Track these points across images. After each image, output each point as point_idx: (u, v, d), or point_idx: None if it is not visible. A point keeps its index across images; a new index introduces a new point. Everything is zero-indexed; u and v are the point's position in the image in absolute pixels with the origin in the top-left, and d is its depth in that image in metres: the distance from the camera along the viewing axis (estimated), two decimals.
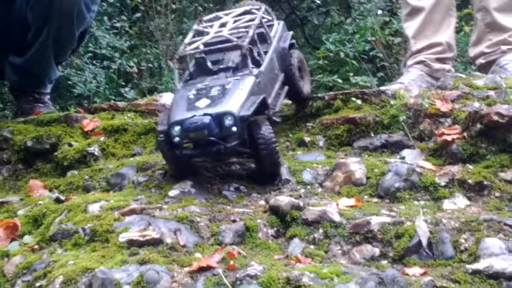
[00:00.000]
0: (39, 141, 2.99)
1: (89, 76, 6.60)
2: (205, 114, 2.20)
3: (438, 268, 2.07)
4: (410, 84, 3.29)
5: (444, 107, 2.69)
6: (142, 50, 7.36)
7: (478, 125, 2.54)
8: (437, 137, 2.63)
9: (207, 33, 2.50)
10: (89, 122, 3.05)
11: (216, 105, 2.24)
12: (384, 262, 2.14)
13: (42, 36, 3.23)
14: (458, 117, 2.65)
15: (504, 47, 3.48)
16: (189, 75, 2.46)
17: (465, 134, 2.57)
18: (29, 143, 2.99)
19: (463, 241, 2.13)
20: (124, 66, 6.94)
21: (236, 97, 2.27)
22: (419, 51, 3.57)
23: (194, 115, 2.21)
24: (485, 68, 3.51)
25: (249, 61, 2.38)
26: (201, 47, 2.44)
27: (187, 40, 2.50)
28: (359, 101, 2.89)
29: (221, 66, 2.43)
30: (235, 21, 2.54)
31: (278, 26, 2.70)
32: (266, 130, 2.27)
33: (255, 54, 2.42)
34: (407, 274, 2.03)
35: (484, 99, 2.71)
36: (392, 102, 2.83)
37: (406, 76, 3.52)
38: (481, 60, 3.57)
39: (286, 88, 2.64)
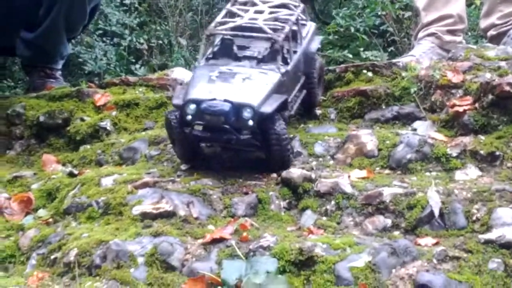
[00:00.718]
0: (52, 116, 2.99)
1: (99, 54, 6.58)
2: (225, 100, 2.16)
3: (450, 238, 2.07)
4: (421, 56, 3.26)
5: (456, 78, 2.67)
6: (152, 27, 7.32)
7: (490, 96, 2.52)
8: (448, 109, 2.61)
9: (241, 17, 2.44)
10: (101, 97, 3.05)
11: (238, 94, 2.19)
12: (396, 233, 2.14)
13: (53, 12, 3.22)
14: (469, 88, 2.63)
15: None
16: (212, 53, 2.39)
17: (476, 105, 2.56)
18: (42, 118, 2.99)
19: (475, 211, 2.13)
20: (134, 43, 6.90)
21: (260, 91, 2.22)
22: (430, 23, 3.53)
23: (215, 99, 2.16)
24: (496, 40, 3.48)
25: (280, 57, 2.33)
26: (233, 29, 2.38)
27: (218, 19, 2.45)
28: (370, 74, 2.87)
29: (247, 54, 2.37)
30: (271, 12, 2.48)
31: (310, 28, 2.63)
32: (280, 126, 2.23)
33: (285, 51, 2.36)
34: (419, 244, 2.04)
35: (495, 70, 2.69)
36: (403, 74, 2.81)
37: (417, 49, 3.49)
38: (492, 32, 3.55)
39: (304, 92, 2.58)
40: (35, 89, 3.33)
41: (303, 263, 1.94)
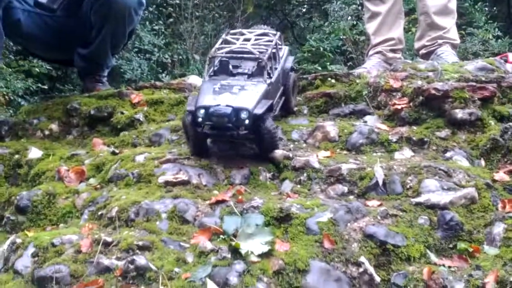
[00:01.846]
0: (100, 110, 2.97)
1: (135, 65, 6.60)
2: (227, 106, 2.14)
3: (390, 201, 2.07)
4: (371, 68, 3.25)
5: (396, 84, 2.67)
6: (174, 46, 7.33)
7: (421, 97, 2.52)
8: (390, 106, 2.60)
9: (234, 43, 2.41)
10: (136, 97, 3.03)
11: (236, 100, 2.17)
12: (351, 197, 2.14)
13: (102, 34, 3.19)
14: (406, 91, 2.62)
15: (440, 41, 3.45)
16: (213, 72, 2.36)
17: (411, 104, 2.55)
18: (92, 112, 2.97)
19: (408, 181, 2.13)
20: (161, 58, 6.93)
21: (252, 97, 2.20)
22: (377, 44, 3.52)
23: (219, 104, 2.15)
24: (426, 57, 3.47)
25: (266, 72, 2.30)
26: (228, 53, 2.37)
27: (217, 45, 2.42)
28: (333, 81, 2.86)
29: (239, 71, 2.34)
30: (256, 39, 2.46)
31: (285, 50, 2.60)
32: (269, 123, 2.21)
33: (268, 68, 2.33)
34: (367, 205, 2.03)
35: (425, 78, 2.68)
36: (357, 81, 2.80)
37: (368, 63, 3.48)
38: (423, 51, 3.54)
39: (283, 99, 2.56)
40: (87, 90, 3.31)
41: (283, 218, 1.94)
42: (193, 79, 3.36)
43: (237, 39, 2.45)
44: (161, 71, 6.85)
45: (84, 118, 2.98)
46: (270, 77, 2.32)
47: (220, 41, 2.46)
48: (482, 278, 1.73)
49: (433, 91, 2.46)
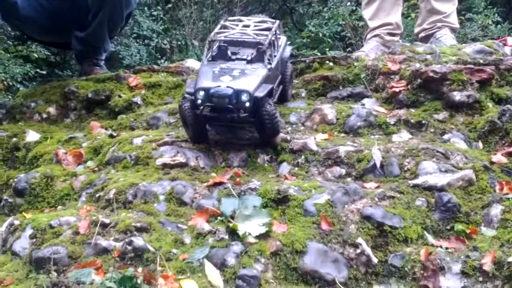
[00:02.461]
0: (97, 93, 2.95)
1: (134, 51, 6.57)
2: (228, 87, 2.08)
3: (388, 183, 2.06)
4: (369, 51, 3.22)
5: (394, 67, 2.65)
6: (173, 32, 7.29)
7: (419, 80, 2.50)
8: (388, 89, 2.58)
9: (233, 29, 2.36)
10: (133, 80, 3.00)
11: (237, 82, 2.11)
12: (349, 179, 2.13)
13: (99, 17, 3.16)
14: (404, 74, 2.60)
15: (439, 24, 3.42)
16: (211, 57, 2.30)
17: (409, 86, 2.54)
18: (90, 95, 2.95)
19: (406, 163, 2.12)
20: (160, 44, 6.90)
21: (253, 80, 2.15)
22: (375, 28, 3.49)
23: (219, 86, 2.09)
24: (425, 41, 3.44)
25: (266, 57, 2.25)
26: (228, 37, 2.31)
27: (216, 30, 2.37)
28: (331, 64, 2.84)
29: (238, 56, 2.26)
30: (255, 26, 2.40)
31: (283, 40, 2.55)
32: (270, 106, 2.15)
33: (268, 55, 2.27)
34: (365, 187, 2.03)
35: (423, 61, 2.66)
36: (355, 64, 2.78)
37: (366, 46, 3.45)
38: (422, 34, 3.51)
39: (281, 87, 2.51)
40: (85, 74, 3.28)
41: (280, 200, 1.93)
42: (191, 63, 3.33)
43: (236, 25, 2.41)
44: (159, 57, 6.82)
45: (81, 101, 2.96)
46: (270, 63, 2.28)
47: (218, 26, 2.41)
48: (479, 259, 1.73)
49: (431, 74, 2.45)
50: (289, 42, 2.67)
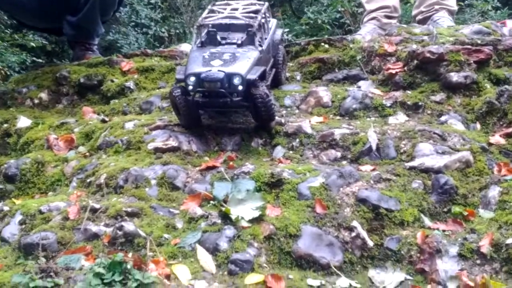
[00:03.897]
0: (89, 78, 2.90)
1: (132, 40, 6.52)
2: (219, 71, 2.01)
3: (384, 166, 2.02)
4: (366, 34, 3.17)
5: (390, 48, 2.60)
6: (171, 20, 7.23)
7: (415, 61, 2.45)
8: (384, 71, 2.54)
9: (222, 13, 2.30)
10: (126, 64, 2.95)
11: (228, 66, 2.05)
12: (344, 162, 2.09)
13: (90, 0, 3.11)
14: (400, 56, 2.55)
15: (437, 7, 3.36)
16: (200, 42, 2.22)
17: (405, 68, 2.49)
18: (82, 80, 2.89)
19: (402, 146, 2.08)
20: (158, 32, 6.84)
21: (245, 63, 2.07)
22: (372, 11, 3.43)
23: (211, 70, 2.02)
24: (422, 23, 3.38)
25: (256, 39, 2.17)
26: (217, 21, 2.25)
27: (204, 15, 2.31)
28: (326, 46, 2.79)
29: (228, 41, 2.19)
30: (244, 9, 2.33)
31: (273, 23, 2.48)
32: (263, 89, 2.09)
33: (258, 37, 2.21)
34: (360, 170, 1.99)
35: (420, 42, 2.61)
36: (351, 46, 2.73)
37: (363, 29, 3.39)
38: (419, 17, 3.45)
39: (274, 71, 2.45)
40: (77, 58, 3.23)
41: (274, 183, 1.89)
42: (185, 47, 3.28)
43: (224, 9, 2.34)
44: (158, 45, 6.76)
45: (73, 86, 2.91)
46: (261, 45, 2.22)
47: (206, 11, 2.35)
48: (477, 241, 1.69)
49: (427, 54, 2.40)
50: (284, 28, 2.61)
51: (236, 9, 2.34)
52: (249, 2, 2.42)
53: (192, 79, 2.04)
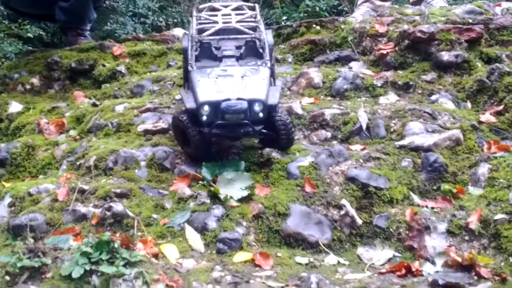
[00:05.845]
0: (81, 63, 2.89)
1: (130, 30, 6.48)
2: (239, 99, 1.75)
3: (374, 145, 2.02)
4: (359, 17, 3.15)
5: (381, 29, 2.58)
6: (169, 10, 7.19)
7: (406, 41, 2.44)
8: (376, 52, 2.52)
9: (213, 22, 2.03)
10: (118, 49, 2.94)
11: (246, 91, 1.79)
12: (334, 142, 2.08)
13: None
14: (391, 36, 2.53)
15: None
16: (195, 57, 1.93)
17: (396, 48, 2.47)
18: (73, 65, 2.88)
19: (392, 125, 2.08)
20: (155, 21, 6.81)
21: (261, 85, 1.82)
22: None
23: (229, 99, 1.75)
24: (417, 5, 3.36)
25: (265, 54, 1.93)
26: (216, 34, 1.97)
27: (195, 26, 2.02)
28: (318, 27, 2.77)
29: (224, 54, 1.94)
30: (237, 14, 2.06)
31: (262, 22, 2.12)
32: (283, 113, 1.88)
33: (261, 48, 1.96)
34: (350, 149, 1.98)
35: (411, 22, 2.59)
36: (342, 27, 2.71)
37: (357, 12, 3.38)
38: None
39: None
40: (69, 44, 3.21)
41: (263, 163, 1.89)
42: (177, 31, 3.26)
43: (216, 16, 2.07)
44: (156, 35, 6.75)
45: (65, 71, 2.90)
46: (270, 60, 1.96)
47: (194, 20, 2.07)
48: (465, 218, 1.69)
49: (418, 34, 2.38)
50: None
51: (228, 15, 2.09)
52: (236, 5, 2.16)
53: (206, 108, 1.77)
